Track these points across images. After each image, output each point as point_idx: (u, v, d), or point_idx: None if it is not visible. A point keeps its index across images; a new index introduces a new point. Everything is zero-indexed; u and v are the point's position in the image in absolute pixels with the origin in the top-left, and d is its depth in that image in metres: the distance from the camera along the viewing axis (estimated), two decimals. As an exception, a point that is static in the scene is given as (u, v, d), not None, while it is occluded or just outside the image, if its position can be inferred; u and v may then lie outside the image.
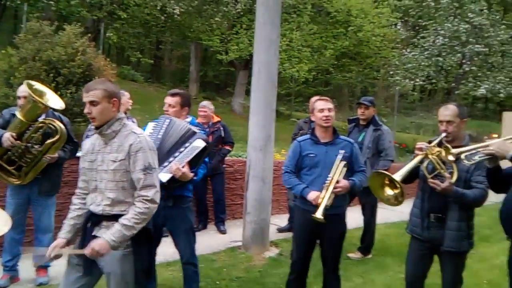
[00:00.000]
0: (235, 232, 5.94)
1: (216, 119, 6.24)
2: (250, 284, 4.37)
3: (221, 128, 6.17)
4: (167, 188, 3.14)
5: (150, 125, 3.44)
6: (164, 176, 3.15)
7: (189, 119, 3.69)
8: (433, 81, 14.51)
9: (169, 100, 3.57)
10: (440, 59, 13.03)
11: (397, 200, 3.07)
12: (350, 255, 5.41)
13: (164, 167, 3.18)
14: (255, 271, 4.72)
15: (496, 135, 19.12)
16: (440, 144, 3.10)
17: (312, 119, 3.58)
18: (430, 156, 3.03)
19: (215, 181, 6.28)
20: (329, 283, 3.62)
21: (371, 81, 21.82)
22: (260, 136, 5.31)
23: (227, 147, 6.27)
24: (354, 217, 5.95)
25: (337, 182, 3.31)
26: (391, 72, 14.84)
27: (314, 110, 3.55)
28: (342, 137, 3.59)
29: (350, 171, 3.51)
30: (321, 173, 3.38)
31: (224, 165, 6.42)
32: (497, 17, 13.47)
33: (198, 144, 3.28)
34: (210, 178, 6.24)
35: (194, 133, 3.32)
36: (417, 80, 13.78)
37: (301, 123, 6.41)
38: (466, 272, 5.12)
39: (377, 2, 15.25)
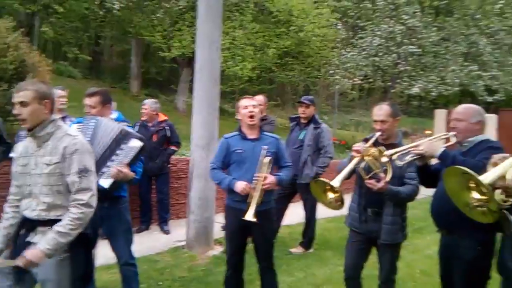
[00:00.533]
0: (179, 232, 5.89)
1: (162, 118, 6.15)
2: (193, 283, 4.37)
3: (167, 128, 6.09)
4: (106, 192, 3.06)
5: (74, 127, 3.25)
6: (106, 182, 3.07)
7: (115, 115, 3.61)
8: (371, 80, 15.14)
9: (88, 101, 3.44)
10: (377, 59, 13.63)
11: (337, 203, 3.21)
12: (292, 250, 5.54)
13: (104, 172, 3.09)
14: (198, 270, 4.71)
15: (430, 131, 20.25)
16: (376, 143, 3.26)
17: (239, 117, 3.66)
18: (366, 158, 3.17)
19: (160, 181, 6.19)
20: (266, 278, 3.70)
21: (313, 80, 22.35)
22: (204, 135, 5.30)
23: (173, 147, 6.19)
24: (296, 212, 6.13)
25: (265, 178, 3.39)
26: (331, 72, 15.32)
27: (239, 108, 3.62)
28: (268, 133, 3.72)
29: (277, 166, 3.65)
30: (249, 168, 3.46)
31: (169, 165, 6.35)
32: (429, 19, 14.27)
33: (135, 144, 3.22)
34: (155, 178, 6.15)
35: (128, 133, 3.25)
36: (356, 79, 14.33)
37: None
38: (401, 263, 5.39)
39: (318, 2, 15.63)
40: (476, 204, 2.05)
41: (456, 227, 2.81)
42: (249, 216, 3.31)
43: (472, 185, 2.04)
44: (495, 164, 2.13)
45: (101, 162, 3.09)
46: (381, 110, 3.33)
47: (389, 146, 3.27)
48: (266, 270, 3.68)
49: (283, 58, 19.35)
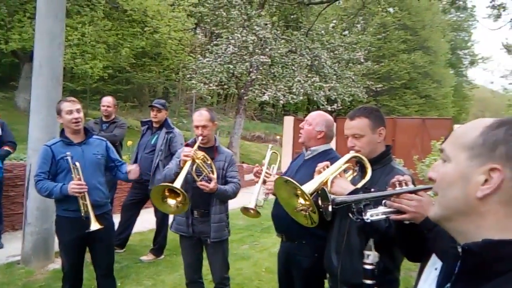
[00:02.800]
0: (14, 246, 5.28)
1: (-8, 116, 5.44)
2: (29, 302, 3.95)
3: (-2, 126, 5.42)
4: None
5: None
6: None
7: None
8: (225, 86, 15.63)
9: None
10: (231, 66, 14.11)
11: (178, 208, 3.24)
12: (143, 258, 5.39)
13: None
14: (36, 286, 4.29)
15: (278, 136, 21.65)
16: (200, 147, 3.42)
17: (60, 121, 3.46)
18: (197, 161, 3.30)
19: (-10, 188, 5.47)
20: (104, 286, 3.59)
21: (171, 82, 22.18)
22: (43, 138, 4.81)
23: (7, 148, 5.53)
24: (147, 219, 6.00)
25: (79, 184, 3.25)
26: (188, 76, 15.40)
27: (61, 112, 3.41)
28: (94, 136, 3.61)
29: (106, 167, 3.59)
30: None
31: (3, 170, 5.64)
32: (278, 32, 15.33)
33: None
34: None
35: None
36: (211, 85, 14.62)
37: (91, 123, 6.11)
38: (248, 262, 5.68)
39: (174, 5, 15.57)
40: (301, 208, 2.20)
41: (294, 233, 2.96)
42: (94, 225, 3.17)
43: (299, 192, 2.18)
44: (319, 172, 2.30)
45: None
46: (201, 116, 3.50)
47: (209, 150, 3.50)
48: (105, 280, 3.56)
49: (140, 59, 18.80)
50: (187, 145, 3.57)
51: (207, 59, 14.56)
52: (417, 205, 1.69)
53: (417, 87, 29.66)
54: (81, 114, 3.40)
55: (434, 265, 1.73)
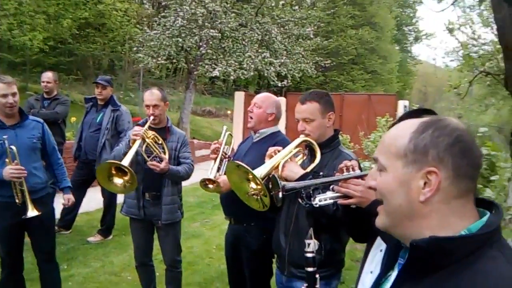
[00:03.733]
0: None
1: None
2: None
3: None
4: None
5: None
6: None
7: None
8: (174, 60, 15.24)
9: None
10: (180, 39, 13.73)
11: (126, 187, 3.18)
12: (90, 239, 5.30)
13: None
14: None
15: (229, 111, 21.57)
16: (151, 128, 3.37)
17: None
18: (147, 140, 3.26)
19: None
20: (46, 274, 3.48)
21: (118, 54, 21.34)
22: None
23: None
24: (95, 198, 5.85)
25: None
26: (135, 49, 14.85)
27: None
28: (31, 117, 3.41)
29: (43, 152, 3.40)
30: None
31: None
32: (228, 5, 15.03)
33: None
34: None
35: None
36: (159, 59, 14.20)
37: (32, 100, 5.81)
38: (199, 240, 5.72)
39: (118, -25, 14.85)
40: (252, 193, 2.24)
41: (242, 216, 2.98)
42: (31, 212, 3.07)
43: (250, 176, 2.20)
44: (270, 156, 2.32)
45: None
46: (152, 95, 3.44)
47: (161, 130, 3.46)
48: (46, 265, 3.46)
49: (84, 30, 17.87)
50: (138, 125, 3.47)
51: (155, 31, 14.08)
52: (363, 190, 1.77)
53: (364, 63, 30.39)
54: (17, 98, 3.19)
55: (379, 247, 1.83)
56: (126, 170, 3.06)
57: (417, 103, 16.28)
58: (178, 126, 7.37)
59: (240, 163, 2.28)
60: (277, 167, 2.24)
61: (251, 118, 3.07)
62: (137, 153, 3.24)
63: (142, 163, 3.36)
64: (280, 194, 1.99)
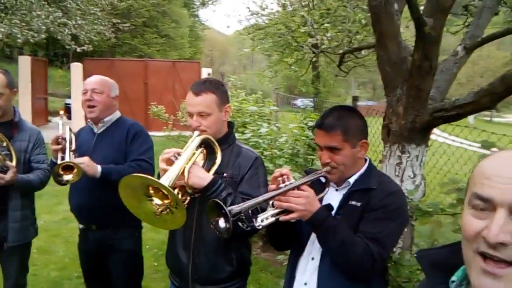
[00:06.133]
0: None
1: None
2: None
3: None
4: None
5: None
6: None
7: None
8: None
9: None
10: None
11: None
12: None
13: None
14: None
15: (62, 111, 18.55)
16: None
17: None
18: None
19: None
20: None
21: None
22: None
23: None
24: None
25: None
26: None
27: None
28: None
29: None
30: None
31: None
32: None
33: None
34: None
35: None
36: None
37: None
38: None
39: None
40: (161, 209, 1.80)
41: (109, 219, 2.66)
42: None
43: (151, 191, 1.79)
44: (167, 160, 1.93)
45: None
46: None
47: (5, 126, 2.78)
48: None
49: None
50: None
51: None
52: (305, 203, 1.63)
53: (157, 26, 29.82)
54: None
55: (310, 255, 1.79)
56: None
57: (205, 67, 16.80)
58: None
59: (143, 175, 1.80)
60: (183, 173, 1.89)
61: (93, 106, 2.70)
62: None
63: None
64: (223, 223, 1.62)
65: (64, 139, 2.56)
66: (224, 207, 1.58)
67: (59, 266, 4.64)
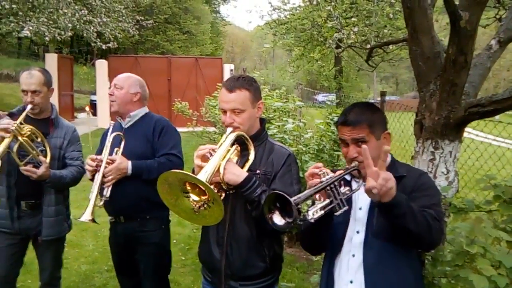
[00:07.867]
0: None
1: None
2: None
3: None
4: None
5: None
6: None
7: None
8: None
9: None
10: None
11: None
12: None
13: None
14: None
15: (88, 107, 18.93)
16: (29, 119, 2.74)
17: None
18: (20, 138, 2.62)
19: None
20: None
21: None
22: None
23: None
24: None
25: None
26: None
27: None
28: None
29: None
30: None
31: None
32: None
33: None
34: None
35: None
36: None
37: None
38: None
39: None
40: (199, 205, 1.82)
41: (135, 210, 2.69)
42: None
43: (188, 188, 1.81)
44: (202, 157, 1.95)
45: None
46: (32, 78, 2.76)
47: (42, 122, 2.84)
48: None
49: None
50: (10, 115, 2.74)
51: None
52: (385, 178, 1.51)
53: (179, 23, 30.05)
54: None
55: (350, 252, 1.78)
56: None
57: (227, 63, 16.84)
58: None
59: (180, 171, 1.83)
60: (218, 170, 1.91)
61: (113, 101, 2.77)
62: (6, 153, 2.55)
63: (15, 164, 2.67)
64: (279, 217, 1.61)
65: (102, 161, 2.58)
66: (289, 198, 1.56)
67: (89, 260, 4.74)
